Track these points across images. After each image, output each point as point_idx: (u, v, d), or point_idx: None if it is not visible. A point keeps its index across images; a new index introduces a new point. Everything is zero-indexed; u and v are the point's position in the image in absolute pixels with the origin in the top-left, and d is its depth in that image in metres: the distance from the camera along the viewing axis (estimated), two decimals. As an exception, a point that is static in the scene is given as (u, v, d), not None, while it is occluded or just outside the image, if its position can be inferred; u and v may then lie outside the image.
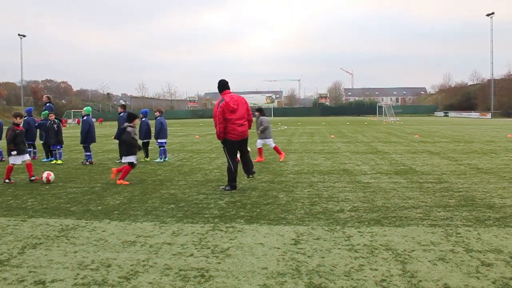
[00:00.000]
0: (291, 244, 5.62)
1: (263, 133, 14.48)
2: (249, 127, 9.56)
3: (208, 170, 12.74)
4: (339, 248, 5.44)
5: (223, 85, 9.43)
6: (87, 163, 14.72)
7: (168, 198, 8.66)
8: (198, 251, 5.39)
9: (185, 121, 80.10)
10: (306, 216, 7.04)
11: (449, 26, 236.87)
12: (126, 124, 10.75)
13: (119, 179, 10.46)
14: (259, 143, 14.74)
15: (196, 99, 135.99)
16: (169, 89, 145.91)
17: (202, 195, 8.91)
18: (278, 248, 5.48)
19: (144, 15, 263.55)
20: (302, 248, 5.46)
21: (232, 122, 9.10)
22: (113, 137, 15.66)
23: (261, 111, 14.98)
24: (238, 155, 9.63)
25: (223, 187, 9.52)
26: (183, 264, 4.93)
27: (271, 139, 14.77)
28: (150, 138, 15.62)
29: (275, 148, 14.70)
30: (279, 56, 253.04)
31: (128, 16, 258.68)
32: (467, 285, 4.30)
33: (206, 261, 5.03)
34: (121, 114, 15.30)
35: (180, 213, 7.41)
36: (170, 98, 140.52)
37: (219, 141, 9.53)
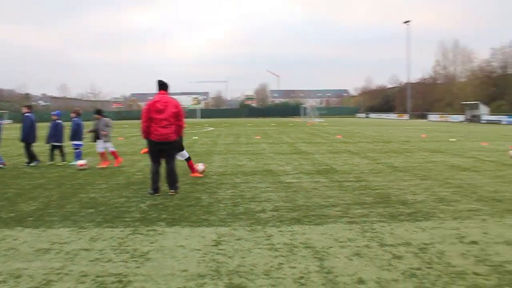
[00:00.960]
0: (212, 246, 5.62)
1: (107, 136, 13.95)
2: (179, 133, 9.44)
3: (130, 172, 12.45)
4: (259, 248, 5.51)
5: (159, 85, 9.33)
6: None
7: (87, 203, 8.37)
8: (117, 256, 5.26)
9: (108, 122, 77.84)
10: (228, 217, 7.07)
11: (371, 31, 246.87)
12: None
13: None
14: (102, 147, 14.04)
15: (122, 100, 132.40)
16: (92, 89, 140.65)
17: (123, 199, 8.69)
18: (199, 250, 5.47)
19: (68, 11, 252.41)
20: (223, 249, 5.47)
21: (157, 122, 8.96)
22: (20, 139, 14.82)
23: (100, 112, 14.34)
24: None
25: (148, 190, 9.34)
26: (100, 270, 4.78)
27: (111, 143, 14.26)
28: (62, 141, 14.92)
29: (113, 153, 14.20)
30: (207, 57, 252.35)
31: (50, 11, 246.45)
32: (379, 277, 4.51)
33: (125, 266, 4.92)
34: (27, 115, 14.64)
35: (99, 217, 7.19)
36: (93, 99, 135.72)
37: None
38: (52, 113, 15.23)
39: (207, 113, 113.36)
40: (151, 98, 9.31)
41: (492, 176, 11.08)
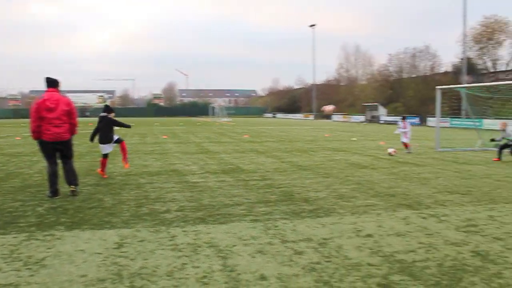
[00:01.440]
0: (113, 248, 5.47)
1: None
2: (73, 132, 9.00)
3: (28, 174, 11.75)
4: (163, 249, 5.45)
5: (48, 82, 8.80)
6: None
7: (-24, 208, 7.77)
8: (8, 264, 4.93)
9: (5, 121, 72.71)
10: (132, 219, 6.91)
11: (278, 33, 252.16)
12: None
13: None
14: None
15: (20, 97, 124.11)
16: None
17: (18, 203, 8.17)
18: (100, 253, 5.29)
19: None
20: (125, 252, 5.34)
21: (48, 121, 8.49)
22: None
23: None
24: None
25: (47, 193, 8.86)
26: (-12, 280, 4.47)
27: None
28: None
29: None
30: (113, 55, 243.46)
31: None
32: (280, 273, 4.65)
33: (17, 275, 4.62)
34: None
35: (-11, 223, 6.70)
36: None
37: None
38: None
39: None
40: (45, 94, 8.74)
41: (387, 173, 11.82)
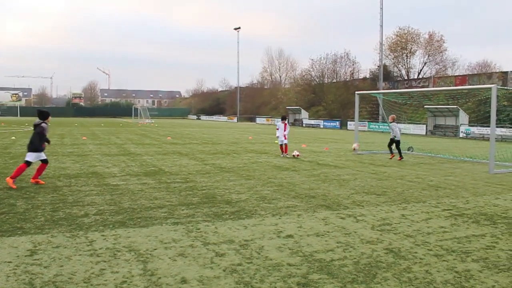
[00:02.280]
0: (25, 256, 5.18)
1: None
2: None
3: None
4: (80, 255, 5.25)
5: None
6: None
7: None
8: None
9: None
10: (47, 224, 6.59)
11: (204, 35, 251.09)
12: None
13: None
14: None
15: None
16: None
17: None
18: (10, 262, 4.99)
19: None
20: (38, 259, 5.08)
21: None
22: None
23: None
24: None
25: None
26: None
27: None
28: None
29: None
30: (30, 51, 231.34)
31: None
32: (201, 275, 4.63)
33: None
34: None
35: None
36: None
37: None
38: None
39: (28, 111, 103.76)
40: None
41: (308, 175, 12.13)
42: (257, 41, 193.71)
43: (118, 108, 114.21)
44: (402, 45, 64.09)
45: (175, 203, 8.17)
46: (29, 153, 9.76)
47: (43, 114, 10.08)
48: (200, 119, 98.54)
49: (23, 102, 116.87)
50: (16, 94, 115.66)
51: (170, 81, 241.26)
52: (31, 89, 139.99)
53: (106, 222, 6.72)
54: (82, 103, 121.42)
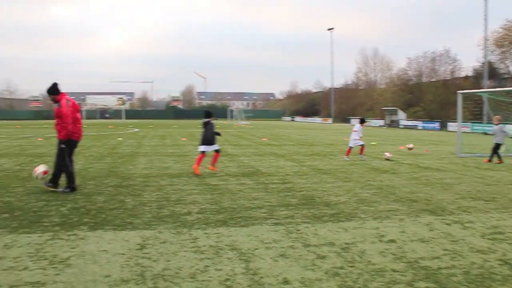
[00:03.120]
0: (136, 249, 5.50)
1: None
2: None
3: (50, 175, 11.84)
4: (185, 251, 5.46)
5: (58, 88, 9.38)
6: None
7: (1, 207, 7.88)
8: (34, 263, 5.00)
9: (27, 122, 73.76)
10: (153, 220, 6.95)
11: (297, 37, 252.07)
12: None
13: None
14: None
15: (41, 98, 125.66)
16: (8, 86, 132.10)
17: (42, 202, 8.27)
18: (123, 254, 5.32)
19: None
20: (147, 253, 5.37)
21: (78, 122, 9.37)
22: None
23: None
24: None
25: (62, 189, 9.25)
26: (14, 280, 4.51)
27: None
28: None
29: None
30: (131, 57, 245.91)
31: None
32: (303, 277, 4.62)
33: (43, 273, 4.68)
34: None
35: (14, 223, 6.78)
36: (9, 97, 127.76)
37: (60, 142, 9.25)
38: None
39: (132, 114, 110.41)
40: (69, 97, 9.37)
41: (408, 178, 11.70)
42: (351, 41, 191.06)
43: (214, 110, 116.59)
44: (510, 39, 59.57)
45: (274, 204, 8.24)
46: (202, 146, 12.27)
47: (210, 114, 12.89)
48: (294, 120, 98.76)
49: (127, 106, 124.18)
50: (121, 98, 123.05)
51: (264, 83, 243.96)
52: (134, 93, 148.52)
53: (208, 221, 6.94)
54: (180, 106, 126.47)
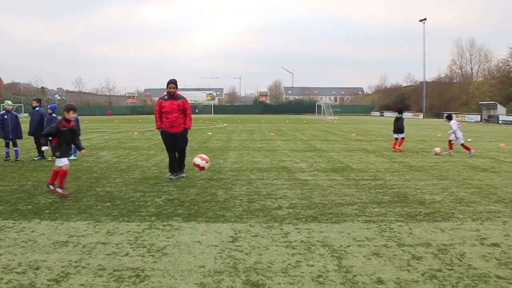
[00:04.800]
0: (229, 242, 5.59)
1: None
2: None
3: (146, 167, 12.47)
4: (276, 245, 5.47)
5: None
6: (18, 159, 13.99)
7: (103, 196, 8.39)
8: (134, 250, 5.25)
9: (123, 117, 78.15)
10: (244, 214, 7.03)
11: (386, 29, 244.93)
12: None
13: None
14: None
15: (136, 95, 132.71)
16: (107, 84, 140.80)
17: (139, 193, 8.70)
18: (216, 246, 5.44)
19: (82, 4, 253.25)
20: (239, 246, 5.44)
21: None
22: (28, 133, 14.77)
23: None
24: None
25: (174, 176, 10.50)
26: (117, 264, 4.77)
27: None
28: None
29: None
30: (220, 53, 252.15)
31: (64, 5, 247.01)
32: (398, 278, 4.44)
33: (142, 260, 4.90)
34: (36, 109, 14.66)
35: (115, 211, 7.19)
36: (108, 94, 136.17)
37: (185, 133, 10.48)
38: (48, 106, 15.03)
39: (220, 109, 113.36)
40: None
41: (511, 177, 10.90)
42: (445, 32, 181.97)
43: (301, 105, 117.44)
44: None
45: (366, 201, 8.03)
46: (395, 134, 17.16)
47: (401, 110, 17.91)
48: (383, 115, 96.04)
49: (216, 101, 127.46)
50: (210, 93, 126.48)
51: (352, 77, 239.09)
52: (222, 89, 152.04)
53: (298, 216, 6.90)
54: (267, 101, 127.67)
